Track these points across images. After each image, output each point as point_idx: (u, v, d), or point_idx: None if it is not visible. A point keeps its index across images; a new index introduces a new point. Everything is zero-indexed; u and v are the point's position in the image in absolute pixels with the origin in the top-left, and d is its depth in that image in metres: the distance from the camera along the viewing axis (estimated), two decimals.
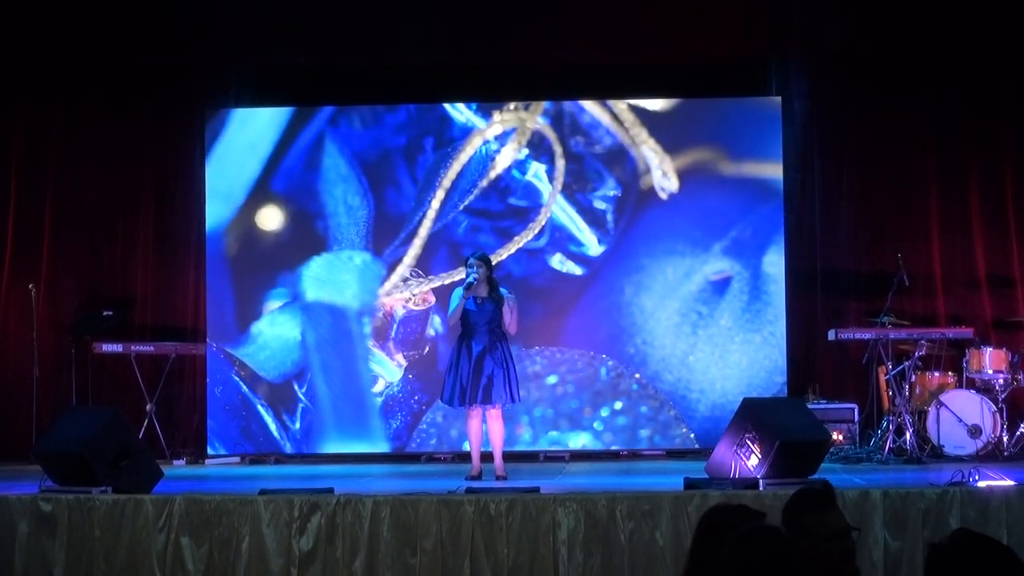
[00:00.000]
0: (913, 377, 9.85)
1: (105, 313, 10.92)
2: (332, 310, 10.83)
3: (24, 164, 11.19)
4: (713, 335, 10.65)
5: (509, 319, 8.71)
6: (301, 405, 10.78)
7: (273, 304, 10.86)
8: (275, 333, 10.83)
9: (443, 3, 10.95)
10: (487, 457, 8.77)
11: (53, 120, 11.21)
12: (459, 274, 10.31)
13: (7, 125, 11.20)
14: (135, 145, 11.20)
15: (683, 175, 10.77)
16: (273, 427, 10.81)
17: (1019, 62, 10.76)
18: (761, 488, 7.04)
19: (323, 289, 10.84)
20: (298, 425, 10.80)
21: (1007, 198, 10.77)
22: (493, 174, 10.84)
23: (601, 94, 10.88)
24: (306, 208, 10.96)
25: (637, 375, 10.63)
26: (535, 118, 10.86)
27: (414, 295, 10.83)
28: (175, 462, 10.39)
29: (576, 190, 10.82)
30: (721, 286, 10.68)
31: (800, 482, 6.93)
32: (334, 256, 10.87)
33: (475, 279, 8.63)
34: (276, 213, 10.97)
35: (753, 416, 7.47)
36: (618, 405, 10.62)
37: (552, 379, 10.68)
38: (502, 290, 8.80)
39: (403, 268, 10.83)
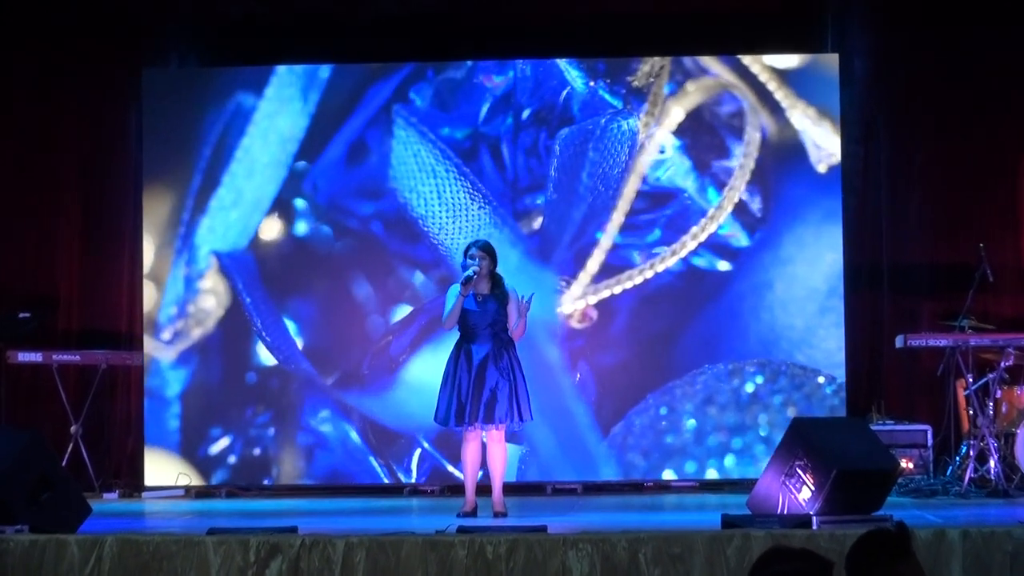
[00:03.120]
0: (999, 392, 9.84)
1: (21, 315, 10.92)
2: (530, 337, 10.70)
3: None
4: None
5: (516, 321, 8.64)
6: (418, 451, 10.72)
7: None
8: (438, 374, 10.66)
9: None
10: (484, 490, 8.76)
11: None
12: (617, 285, 10.46)
13: None
14: (57, 114, 11.23)
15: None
16: (382, 474, 10.83)
17: None
18: (814, 527, 7.02)
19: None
20: (414, 477, 10.78)
21: None
22: (623, 157, 10.75)
23: (625, 49, 10.89)
24: (366, 209, 10.83)
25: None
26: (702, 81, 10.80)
27: (575, 311, 10.75)
28: (106, 495, 10.41)
29: (712, 168, 10.76)
30: None
31: (862, 520, 6.99)
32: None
33: (475, 272, 8.56)
34: (323, 219, 10.89)
35: (805, 440, 7.47)
36: None
37: (777, 399, 10.69)
38: (507, 286, 8.73)
39: (587, 277, 10.71)
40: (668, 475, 10.64)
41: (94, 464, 10.61)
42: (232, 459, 10.94)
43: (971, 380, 9.86)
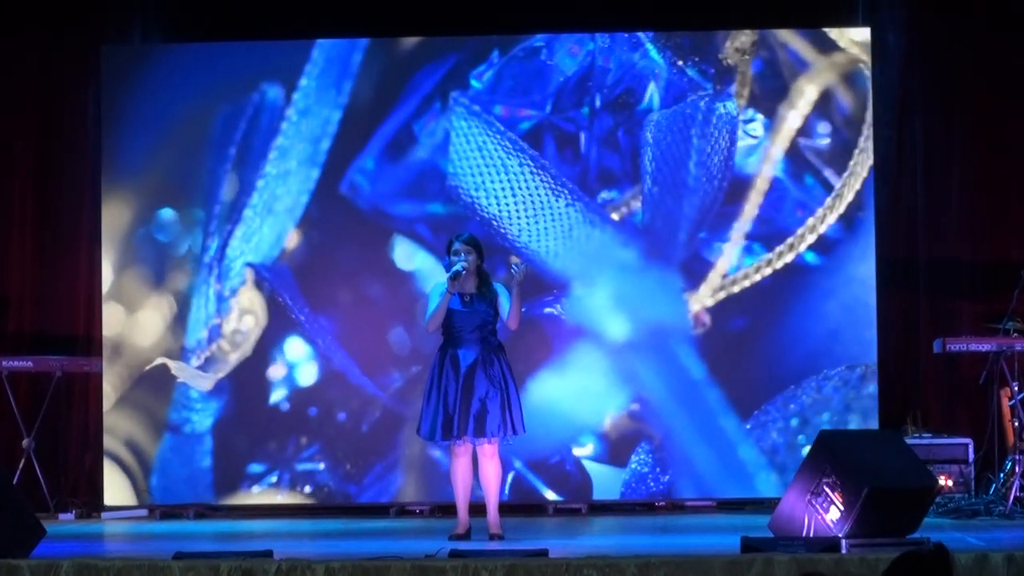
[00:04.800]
0: None
1: None
2: (656, 344, 10.59)
3: None
4: None
5: (509, 311, 8.55)
6: (512, 474, 10.58)
7: None
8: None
9: None
10: (478, 510, 8.75)
11: None
12: (734, 285, 10.47)
13: None
14: (5, 95, 11.21)
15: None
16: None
17: None
18: (843, 550, 7.00)
19: (626, 317, 10.61)
20: None
21: None
22: (724, 143, 10.66)
23: (632, 23, 10.85)
24: (416, 211, 10.70)
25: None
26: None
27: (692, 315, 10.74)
28: (61, 516, 10.45)
29: (803, 152, 10.71)
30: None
31: (896, 543, 7.04)
32: (632, 273, 10.60)
33: (463, 268, 8.51)
34: (365, 223, 10.77)
35: (833, 454, 7.47)
36: None
37: None
38: (495, 284, 8.71)
39: (717, 277, 10.64)
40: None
41: (48, 482, 10.61)
42: (279, 498, 10.80)
43: (1017, 388, 9.88)
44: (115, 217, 10.91)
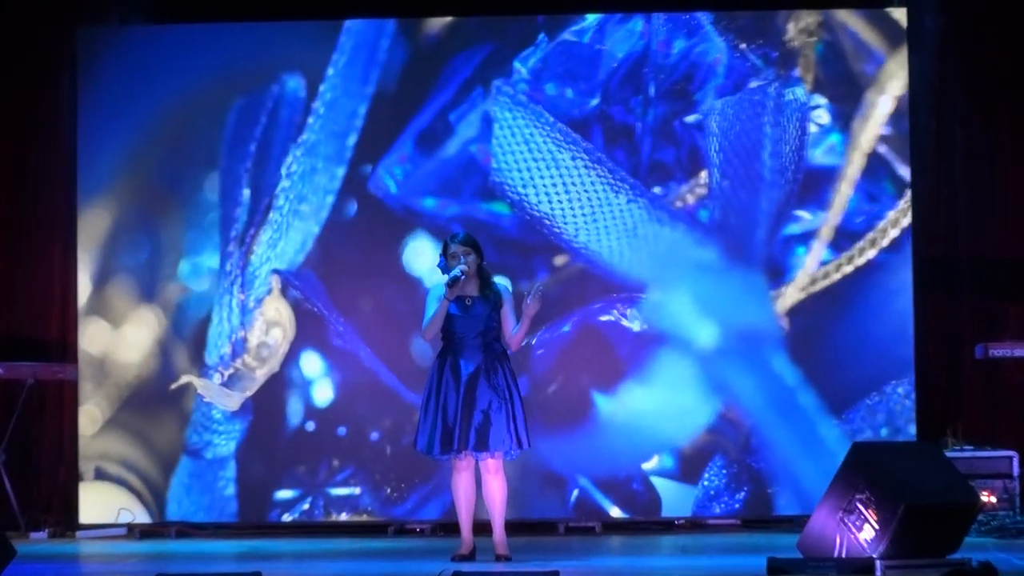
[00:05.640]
0: None
1: None
2: (746, 350, 10.41)
3: None
4: None
5: (513, 327, 8.55)
6: (576, 491, 10.51)
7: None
8: (682, 401, 10.41)
9: None
10: (483, 528, 8.65)
11: None
12: (812, 286, 10.39)
13: None
14: None
15: None
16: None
17: None
18: (878, 572, 7.05)
19: (712, 322, 10.40)
20: None
21: None
22: (795, 132, 10.50)
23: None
24: (451, 210, 10.50)
25: None
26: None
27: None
28: (33, 535, 10.50)
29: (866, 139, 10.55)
30: None
31: (935, 564, 7.02)
32: (716, 279, 10.43)
33: (461, 273, 8.45)
34: (396, 223, 10.58)
35: (867, 469, 7.44)
36: None
37: None
38: (498, 284, 8.65)
39: (806, 277, 10.47)
40: None
41: (19, 498, 10.63)
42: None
43: None
44: (94, 219, 10.81)
